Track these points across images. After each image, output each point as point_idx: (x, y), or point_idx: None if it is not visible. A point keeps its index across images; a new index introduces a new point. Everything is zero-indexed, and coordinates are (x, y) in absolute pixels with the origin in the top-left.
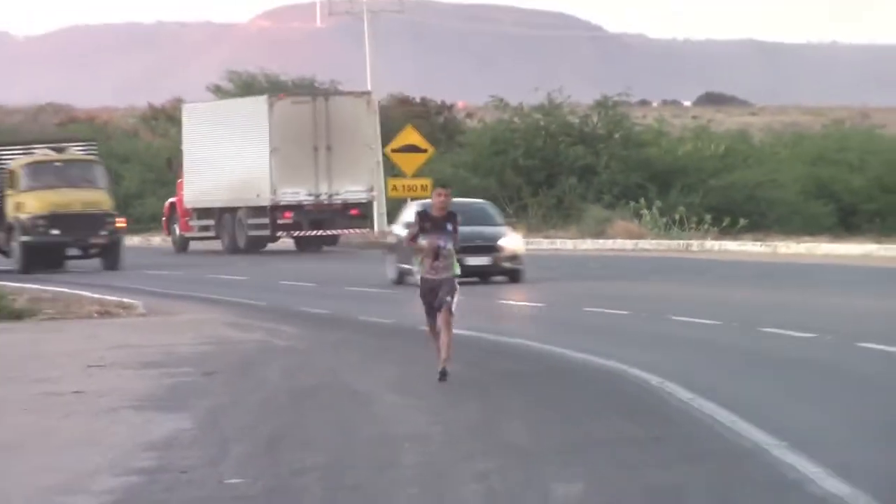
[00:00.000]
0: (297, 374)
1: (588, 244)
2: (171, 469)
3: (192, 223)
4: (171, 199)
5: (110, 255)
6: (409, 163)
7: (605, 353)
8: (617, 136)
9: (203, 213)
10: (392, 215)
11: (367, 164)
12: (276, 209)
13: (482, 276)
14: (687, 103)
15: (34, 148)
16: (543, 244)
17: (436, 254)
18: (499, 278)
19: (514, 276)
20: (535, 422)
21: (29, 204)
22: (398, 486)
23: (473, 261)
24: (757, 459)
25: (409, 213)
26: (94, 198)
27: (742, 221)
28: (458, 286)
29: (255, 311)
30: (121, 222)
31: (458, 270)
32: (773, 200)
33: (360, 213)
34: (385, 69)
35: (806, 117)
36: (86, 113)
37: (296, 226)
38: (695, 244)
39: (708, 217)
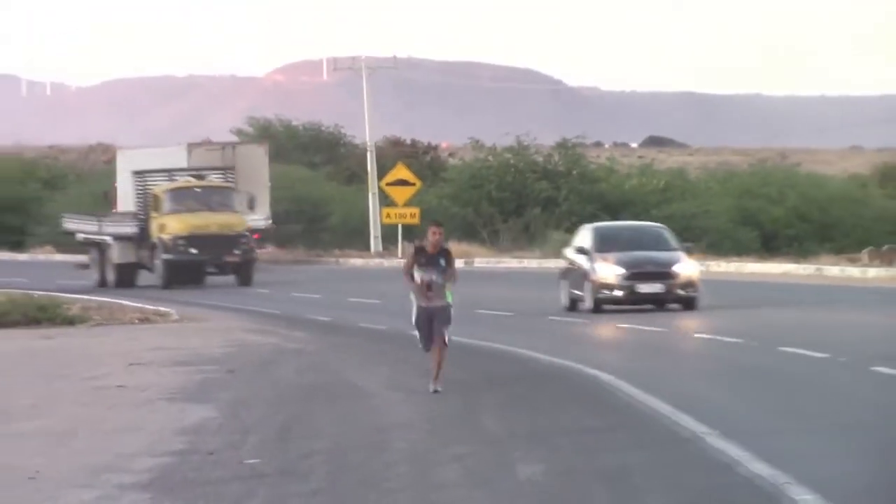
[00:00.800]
0: (307, 372)
1: (550, 263)
2: (199, 451)
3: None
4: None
5: (244, 273)
6: (400, 194)
7: (563, 354)
8: (575, 172)
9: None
10: (387, 239)
11: (264, 199)
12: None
13: (656, 303)
14: (634, 145)
15: (177, 174)
16: (513, 263)
17: (428, 286)
18: (673, 305)
19: (688, 304)
20: (506, 414)
21: (170, 225)
22: (390, 466)
23: (645, 288)
24: (693, 445)
25: (583, 237)
26: (229, 220)
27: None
28: (452, 315)
29: (273, 319)
30: (252, 243)
31: (450, 299)
32: (706, 228)
33: (260, 237)
34: (380, 115)
35: (735, 157)
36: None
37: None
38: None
39: None
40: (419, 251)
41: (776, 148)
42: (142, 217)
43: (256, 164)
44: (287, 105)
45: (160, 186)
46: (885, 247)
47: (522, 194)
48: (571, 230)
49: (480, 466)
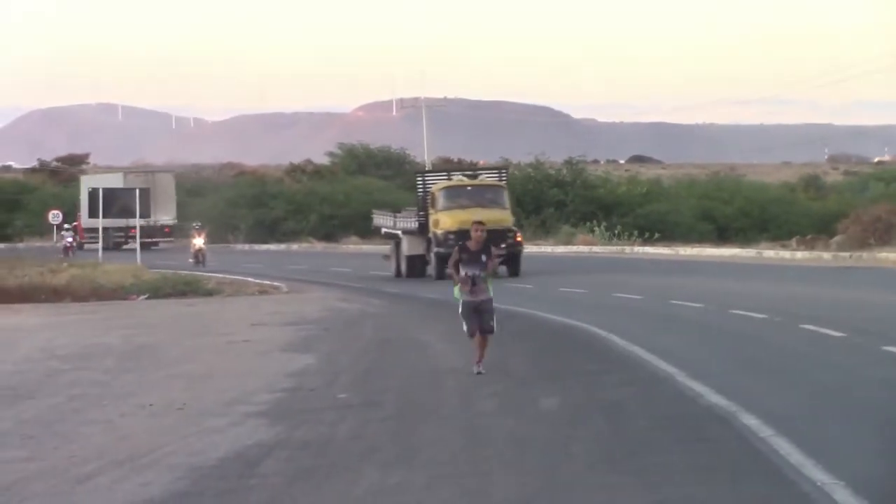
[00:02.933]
0: (382, 330)
1: (561, 249)
2: (303, 388)
3: (86, 236)
4: (75, 223)
5: (513, 264)
6: None
7: (574, 317)
8: (578, 182)
9: (92, 230)
10: None
11: (173, 204)
12: (127, 227)
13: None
14: (622, 161)
15: (453, 174)
16: (533, 249)
17: (472, 281)
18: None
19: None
20: (530, 361)
21: (443, 221)
22: (442, 399)
23: None
24: (668, 383)
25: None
26: (498, 216)
27: (657, 235)
28: (494, 308)
29: (356, 290)
30: (519, 237)
31: (491, 292)
32: (676, 222)
33: (170, 231)
34: (434, 141)
35: (696, 170)
36: (251, 169)
37: (144, 235)
38: (627, 249)
39: (636, 232)
40: (463, 249)
41: (726, 163)
42: (422, 213)
43: (167, 185)
44: (366, 134)
45: (437, 185)
46: (808, 236)
47: (540, 198)
48: (577, 224)
49: (511, 400)
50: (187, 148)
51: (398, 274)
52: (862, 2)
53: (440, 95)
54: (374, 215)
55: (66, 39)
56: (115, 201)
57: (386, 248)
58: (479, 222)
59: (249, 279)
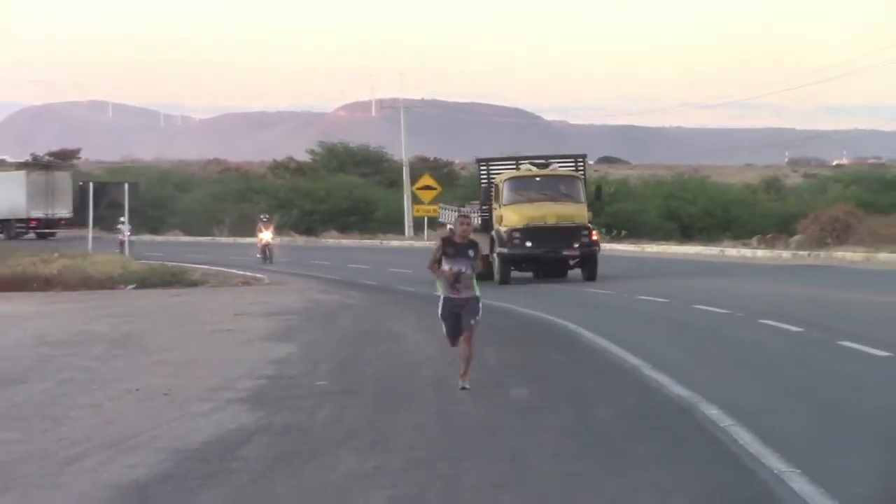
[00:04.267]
0: (360, 321)
1: None
2: (284, 376)
3: None
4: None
5: (588, 267)
6: (426, 195)
7: (543, 310)
8: None
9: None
10: (417, 227)
11: (69, 199)
12: (28, 220)
13: None
14: (591, 162)
15: (521, 162)
16: None
17: (456, 278)
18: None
19: None
20: (502, 351)
21: (508, 217)
22: (418, 388)
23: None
24: (633, 374)
25: None
26: (570, 211)
27: (624, 232)
28: (480, 307)
29: (335, 283)
30: (595, 235)
31: (478, 291)
32: (643, 220)
33: (66, 223)
34: (411, 140)
35: (662, 171)
36: (236, 165)
37: (39, 227)
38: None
39: (604, 230)
40: (447, 242)
41: (692, 165)
42: (485, 208)
43: (64, 182)
44: (347, 133)
45: (501, 176)
46: (769, 235)
47: None
48: None
49: (483, 388)
50: (175, 144)
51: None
52: (822, 14)
53: (418, 97)
54: (440, 209)
55: (59, 38)
56: (103, 197)
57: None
58: (465, 215)
59: (233, 271)
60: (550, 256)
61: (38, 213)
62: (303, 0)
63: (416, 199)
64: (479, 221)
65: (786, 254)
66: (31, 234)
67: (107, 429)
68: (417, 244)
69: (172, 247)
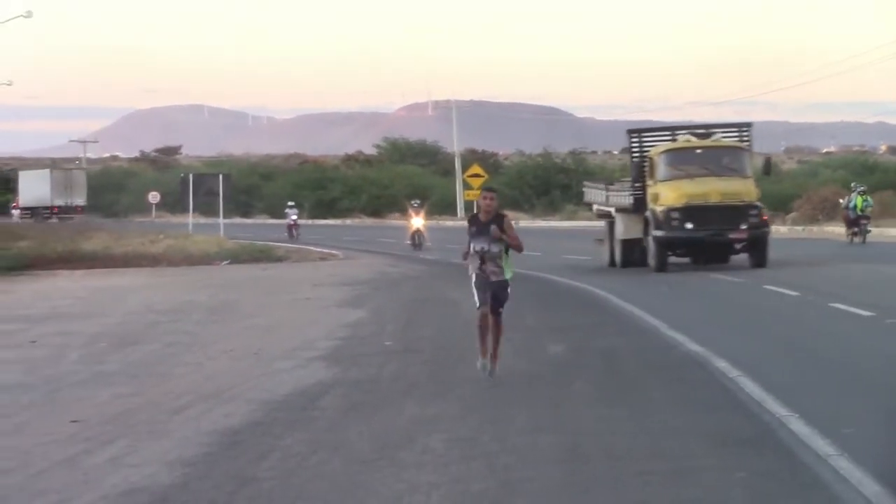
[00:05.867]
0: (420, 289)
1: (565, 224)
2: (356, 337)
3: (18, 210)
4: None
5: (757, 251)
6: (475, 181)
7: (578, 279)
8: (580, 169)
9: (26, 209)
10: (468, 209)
11: (84, 191)
12: (51, 207)
13: None
14: (615, 152)
15: (678, 133)
16: (542, 224)
17: (482, 258)
18: None
19: None
20: (540, 314)
21: (664, 195)
22: (471, 346)
23: None
24: (653, 334)
25: None
26: (736, 188)
27: None
28: (509, 293)
29: (399, 257)
30: (765, 215)
31: (509, 274)
32: None
33: (81, 210)
34: (462, 136)
35: None
36: (313, 158)
37: (59, 213)
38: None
39: None
40: (472, 220)
41: None
42: (638, 185)
43: (81, 178)
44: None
45: (656, 148)
46: (769, 213)
47: (548, 182)
48: (578, 203)
49: (524, 346)
50: (261, 141)
51: (612, 263)
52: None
53: (467, 98)
54: (585, 188)
55: (161, 49)
56: (201, 186)
57: (602, 225)
58: (490, 188)
59: (312, 248)
60: (714, 240)
61: (59, 202)
62: (369, 19)
63: (466, 186)
64: (632, 200)
65: (783, 229)
66: (55, 219)
67: (206, 384)
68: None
69: (259, 228)
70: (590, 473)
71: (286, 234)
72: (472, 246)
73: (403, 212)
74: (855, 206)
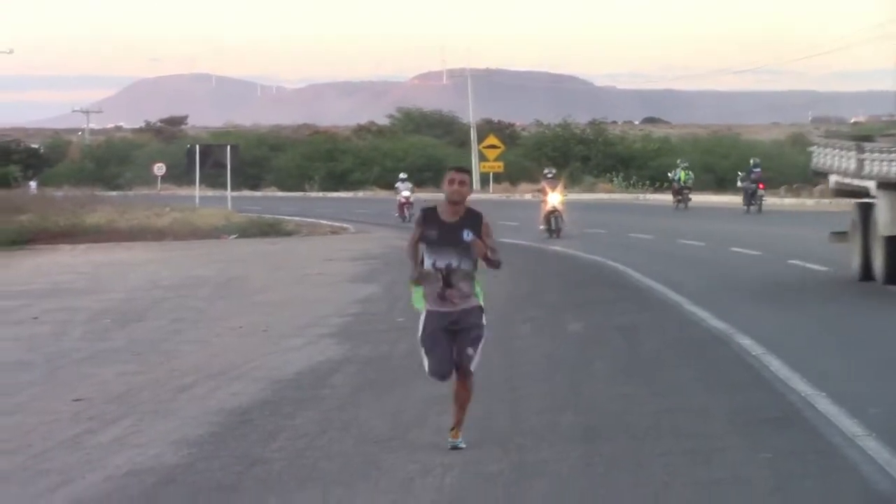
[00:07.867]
0: None
1: (585, 197)
2: (367, 313)
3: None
4: None
5: None
6: (491, 153)
7: (595, 253)
8: (600, 140)
9: None
10: (483, 181)
11: None
12: None
13: None
14: (636, 122)
15: None
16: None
17: (445, 279)
18: None
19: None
20: (559, 291)
21: None
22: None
23: None
24: (676, 309)
25: None
26: None
27: (666, 184)
28: (484, 325)
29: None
30: None
31: (481, 297)
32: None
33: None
34: (478, 105)
35: (699, 130)
36: (324, 129)
37: None
38: (640, 196)
39: (648, 182)
40: (427, 218)
41: (725, 124)
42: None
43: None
44: (420, 99)
45: None
46: (795, 185)
47: (567, 153)
48: (599, 175)
49: (543, 324)
50: (270, 111)
51: (865, 275)
52: None
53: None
54: (813, 153)
55: (166, 17)
56: (208, 158)
57: (850, 209)
58: (461, 169)
59: (322, 221)
60: None
61: None
62: None
63: (482, 157)
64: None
65: (809, 202)
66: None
67: (212, 361)
68: (484, 196)
69: (269, 201)
70: (609, 454)
71: (396, 213)
72: (429, 260)
73: (417, 184)
74: (679, 179)
